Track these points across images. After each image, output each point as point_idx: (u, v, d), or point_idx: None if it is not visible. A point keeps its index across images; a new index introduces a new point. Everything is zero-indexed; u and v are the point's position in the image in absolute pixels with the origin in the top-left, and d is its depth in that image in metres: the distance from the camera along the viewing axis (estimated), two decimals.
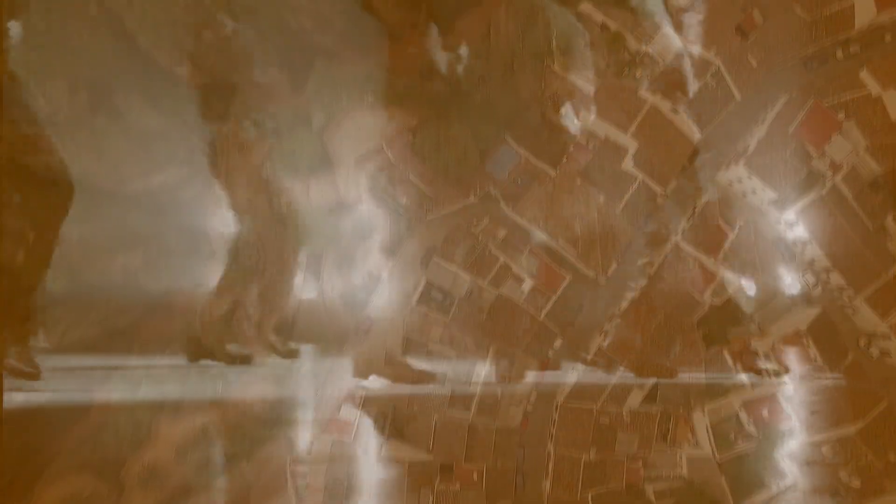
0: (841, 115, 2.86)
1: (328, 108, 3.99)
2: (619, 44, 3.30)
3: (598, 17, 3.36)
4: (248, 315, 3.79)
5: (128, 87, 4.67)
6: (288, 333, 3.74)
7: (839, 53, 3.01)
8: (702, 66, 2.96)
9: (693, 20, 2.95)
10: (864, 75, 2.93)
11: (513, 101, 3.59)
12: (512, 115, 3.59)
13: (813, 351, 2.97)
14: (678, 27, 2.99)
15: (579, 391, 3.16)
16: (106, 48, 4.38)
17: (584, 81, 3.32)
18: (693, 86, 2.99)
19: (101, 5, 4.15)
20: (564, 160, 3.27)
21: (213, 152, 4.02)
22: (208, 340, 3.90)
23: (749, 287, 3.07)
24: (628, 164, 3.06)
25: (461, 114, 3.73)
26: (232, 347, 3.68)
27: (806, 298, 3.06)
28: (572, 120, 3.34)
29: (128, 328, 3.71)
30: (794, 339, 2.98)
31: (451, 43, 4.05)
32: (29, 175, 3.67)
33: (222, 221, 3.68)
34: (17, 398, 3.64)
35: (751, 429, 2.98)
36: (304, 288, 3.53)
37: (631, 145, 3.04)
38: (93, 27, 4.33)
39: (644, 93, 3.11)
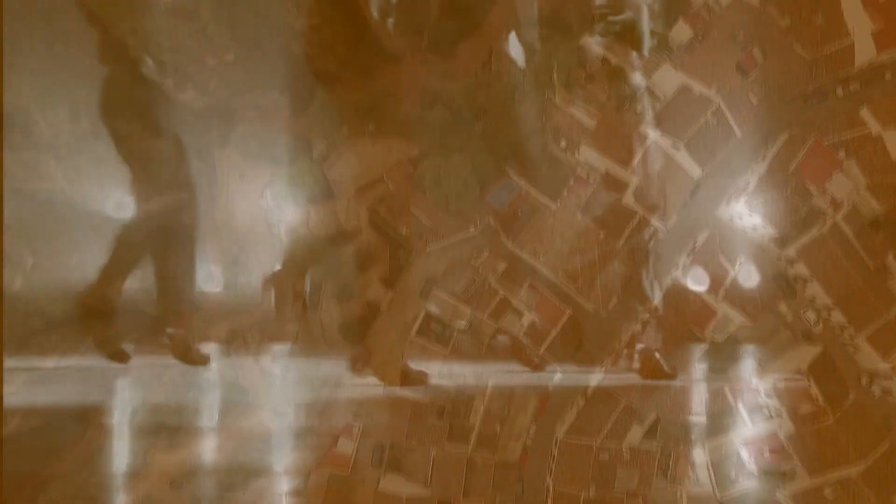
0: (841, 154, 2.86)
1: (329, 137, 4.00)
2: (620, 78, 3.32)
3: (599, 50, 3.37)
4: (245, 343, 3.77)
5: (129, 112, 4.65)
6: (286, 364, 3.72)
7: (839, 91, 3.02)
8: (702, 104, 2.97)
9: (694, 57, 2.97)
10: (865, 114, 2.93)
11: (514, 133, 3.60)
12: (513, 147, 3.60)
13: (814, 390, 2.94)
14: (679, 64, 3.01)
15: (579, 426, 3.13)
16: (108, 74, 4.38)
17: (585, 115, 3.33)
18: (694, 123, 3.00)
19: (105, 32, 4.18)
20: (565, 193, 3.27)
21: (213, 178, 4.02)
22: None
23: (750, 324, 3.06)
24: (629, 198, 3.05)
25: (462, 144, 3.73)
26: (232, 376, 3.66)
27: (807, 336, 3.04)
28: (573, 153, 3.35)
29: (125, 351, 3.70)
30: (795, 377, 2.96)
31: (452, 69, 4.07)
32: (28, 200, 3.68)
33: (222, 247, 3.68)
34: (13, 422, 3.61)
35: (752, 467, 2.95)
36: (303, 317, 3.52)
37: (632, 180, 3.04)
38: (94, 53, 4.31)
39: (645, 128, 3.12)
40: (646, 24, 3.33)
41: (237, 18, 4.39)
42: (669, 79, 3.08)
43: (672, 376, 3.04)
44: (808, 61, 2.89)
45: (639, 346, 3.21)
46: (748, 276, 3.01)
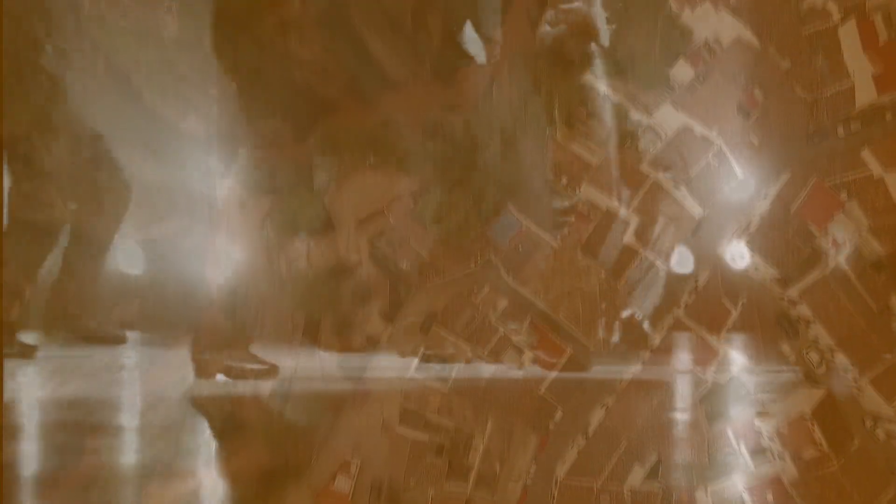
0: (843, 195, 2.86)
1: (330, 168, 4.00)
2: (622, 115, 3.33)
3: (601, 88, 3.39)
4: (244, 374, 3.74)
5: (131, 141, 4.64)
6: (284, 396, 3.68)
7: (840, 130, 3.02)
8: (704, 145, 2.97)
9: (695, 97, 2.98)
10: (866, 155, 2.93)
11: (515, 168, 3.60)
12: (514, 182, 3.60)
13: (818, 434, 2.91)
14: (680, 104, 3.01)
15: (580, 466, 3.09)
16: (111, 104, 4.38)
17: (587, 152, 3.34)
18: (695, 164, 3.00)
19: (109, 63, 4.19)
20: (566, 230, 3.26)
21: (214, 207, 4.01)
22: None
23: (752, 365, 3.04)
24: (630, 237, 3.04)
25: (462, 177, 3.73)
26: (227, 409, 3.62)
27: (810, 377, 3.02)
28: (574, 190, 3.34)
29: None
30: (798, 422, 2.93)
31: (453, 96, 4.07)
32: (27, 229, 3.66)
33: (222, 275, 3.66)
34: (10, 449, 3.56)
35: None
36: (301, 349, 3.49)
37: (633, 219, 3.03)
38: (99, 84, 4.34)
39: (646, 167, 3.11)
40: (647, 61, 3.34)
41: (240, 48, 4.39)
42: (671, 118, 3.08)
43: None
44: (808, 102, 2.90)
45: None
46: (750, 316, 2.99)
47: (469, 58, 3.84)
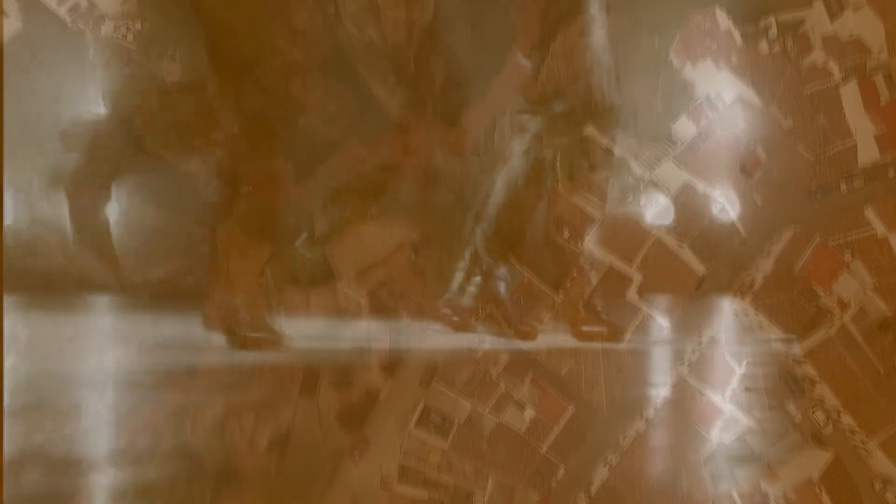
0: (847, 255, 2.84)
1: (332, 217, 3.99)
2: (624, 169, 3.33)
3: (603, 141, 3.39)
4: (241, 425, 3.68)
5: (132, 186, 4.63)
6: (281, 449, 3.63)
7: (843, 187, 3.02)
8: (706, 203, 2.96)
9: (696, 156, 2.98)
10: (870, 214, 2.92)
11: (516, 219, 3.59)
12: (515, 234, 3.59)
13: (826, 499, 2.85)
14: (682, 162, 3.01)
15: None
16: (111, 147, 4.37)
17: (589, 205, 3.33)
18: (698, 222, 2.99)
19: (112, 108, 4.19)
20: (568, 285, 3.24)
21: (213, 253, 3.99)
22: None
23: (757, 425, 2.99)
24: (633, 294, 3.02)
25: (464, 227, 3.72)
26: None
27: (817, 438, 2.97)
28: (576, 243, 3.33)
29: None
30: (806, 486, 2.87)
31: (456, 140, 4.08)
32: (25, 277, 3.63)
33: (220, 323, 3.63)
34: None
35: None
36: (300, 401, 3.44)
37: (636, 276, 3.01)
38: (99, 128, 4.33)
39: (648, 224, 3.10)
40: (649, 116, 3.35)
41: (243, 92, 4.41)
42: (673, 175, 3.08)
43: None
44: (811, 162, 2.90)
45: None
46: (755, 374, 2.95)
47: (472, 101, 3.84)
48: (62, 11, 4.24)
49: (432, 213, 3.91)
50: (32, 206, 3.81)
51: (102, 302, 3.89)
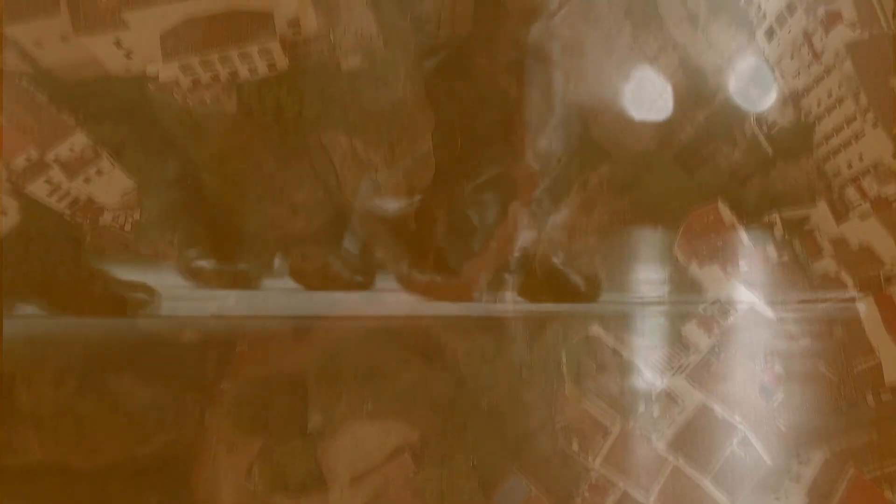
0: (887, 492, 2.60)
1: (326, 411, 3.75)
2: (633, 373, 3.16)
3: (610, 341, 3.25)
4: None
5: (121, 364, 4.42)
6: None
7: (870, 399, 2.83)
8: (727, 430, 2.76)
9: (712, 374, 2.83)
10: None
11: (521, 424, 3.36)
12: (520, 441, 3.34)
13: None
14: (697, 380, 2.84)
15: None
16: (105, 327, 4.21)
17: (599, 412, 3.12)
18: (719, 452, 2.78)
19: (106, 287, 4.05)
20: (579, 501, 2.96)
21: (201, 441, 3.75)
22: None
23: None
24: None
25: (466, 424, 3.47)
26: None
27: None
28: (587, 456, 3.08)
29: None
30: None
31: (456, 287, 3.91)
32: (2, 472, 3.34)
33: None
34: None
35: None
36: None
37: None
38: (94, 305, 4.18)
39: (665, 449, 2.88)
40: (656, 324, 3.21)
41: (241, 263, 4.23)
42: (688, 394, 2.90)
43: None
44: (834, 382, 2.73)
45: None
46: None
47: (472, 253, 3.67)
48: (62, 206, 4.23)
49: (431, 408, 3.66)
50: (13, 400, 3.57)
51: (80, 484, 3.59)
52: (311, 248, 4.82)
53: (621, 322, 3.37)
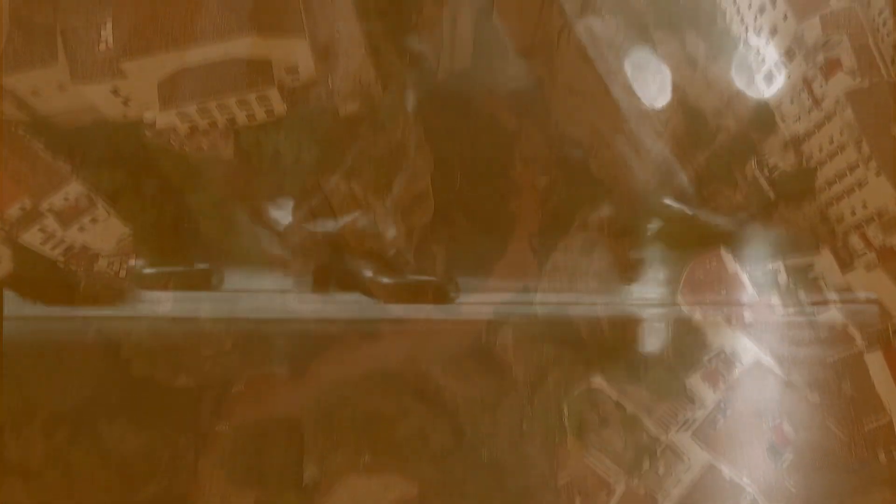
0: None
1: (322, 462, 3.63)
2: (637, 426, 3.08)
3: (613, 394, 3.17)
4: None
5: (114, 411, 4.31)
6: None
7: (882, 457, 2.74)
8: (735, 493, 2.67)
9: (718, 433, 2.75)
10: None
11: (522, 480, 3.26)
12: (522, 497, 3.23)
13: None
14: (703, 439, 2.76)
15: None
16: (97, 375, 4.12)
17: (602, 469, 3.02)
18: None
19: (100, 332, 3.96)
20: None
21: (196, 489, 3.64)
22: None
23: None
24: None
25: (466, 483, 3.36)
26: None
27: None
28: None
29: None
30: None
31: (458, 337, 3.81)
32: None
33: None
34: None
35: None
36: None
37: None
38: (87, 354, 4.10)
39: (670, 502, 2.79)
40: (660, 366, 3.13)
41: (236, 315, 4.20)
42: (694, 453, 2.82)
43: None
44: (845, 441, 2.65)
45: None
46: None
47: (473, 287, 3.58)
48: (55, 254, 4.15)
49: (431, 460, 3.54)
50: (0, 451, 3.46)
51: None
52: (310, 292, 4.76)
53: (623, 373, 3.30)
